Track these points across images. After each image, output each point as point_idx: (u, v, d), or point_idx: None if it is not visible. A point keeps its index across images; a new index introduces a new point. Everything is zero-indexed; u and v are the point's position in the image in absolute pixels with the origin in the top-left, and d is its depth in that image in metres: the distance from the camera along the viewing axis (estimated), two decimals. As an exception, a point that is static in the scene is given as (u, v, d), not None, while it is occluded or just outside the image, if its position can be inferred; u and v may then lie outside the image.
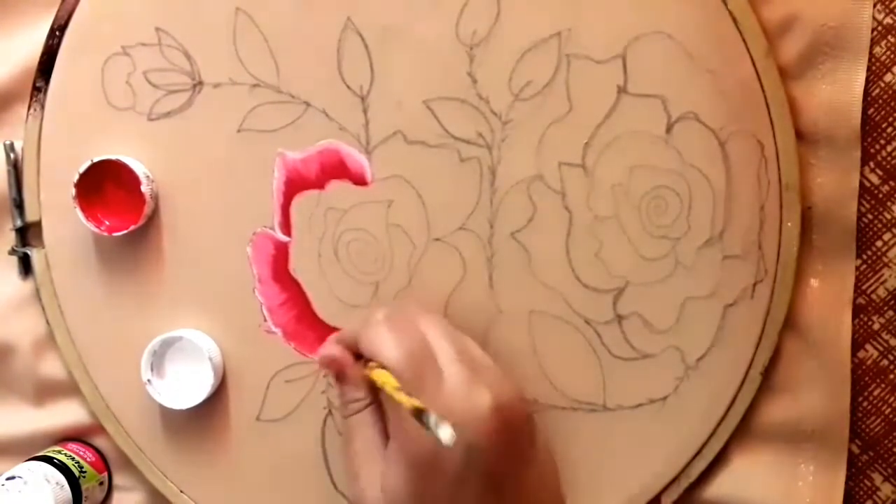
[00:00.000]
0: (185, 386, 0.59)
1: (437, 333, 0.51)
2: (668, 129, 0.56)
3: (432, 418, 0.43)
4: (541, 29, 0.56)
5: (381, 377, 0.48)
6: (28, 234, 0.61)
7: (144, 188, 0.57)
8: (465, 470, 0.46)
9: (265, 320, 0.59)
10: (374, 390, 0.52)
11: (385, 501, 0.48)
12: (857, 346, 0.58)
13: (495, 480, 0.48)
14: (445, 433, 0.42)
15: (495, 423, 0.47)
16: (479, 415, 0.47)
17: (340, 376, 0.53)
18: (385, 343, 0.50)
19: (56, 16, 0.59)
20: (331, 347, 0.53)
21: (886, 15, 0.56)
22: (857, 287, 0.58)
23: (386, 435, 0.51)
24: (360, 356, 0.52)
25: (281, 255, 0.58)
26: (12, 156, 0.61)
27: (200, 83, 0.58)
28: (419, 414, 0.43)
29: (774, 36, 0.56)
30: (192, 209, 0.59)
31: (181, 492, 0.61)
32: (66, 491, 0.59)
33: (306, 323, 0.59)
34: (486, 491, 0.47)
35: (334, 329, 0.59)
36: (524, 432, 0.50)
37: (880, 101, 0.56)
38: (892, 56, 0.56)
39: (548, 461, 0.52)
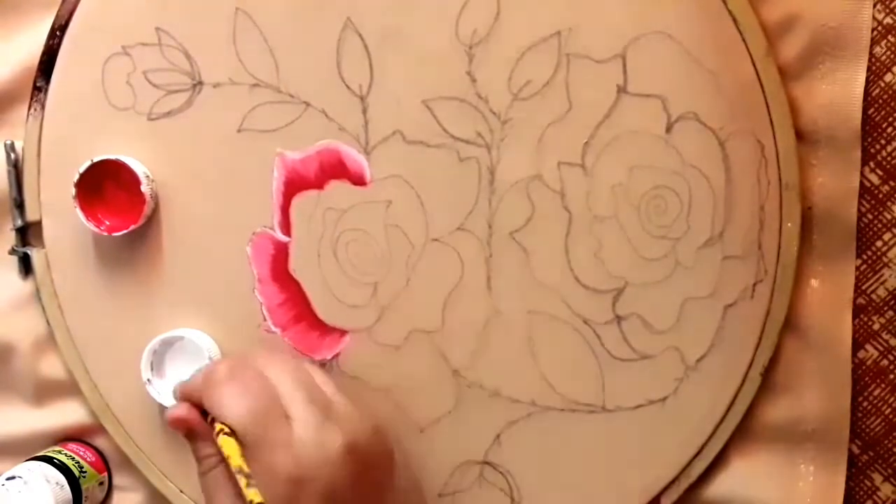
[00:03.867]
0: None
1: (286, 380, 0.51)
2: (668, 129, 0.56)
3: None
4: (540, 28, 0.56)
5: (227, 448, 0.47)
6: (28, 233, 0.62)
7: (144, 188, 0.57)
8: None
9: (265, 320, 0.59)
10: None
11: None
12: (857, 346, 0.58)
13: None
14: None
15: (349, 464, 0.48)
16: (332, 458, 0.47)
17: (191, 435, 0.51)
18: (228, 403, 0.49)
19: (57, 16, 0.59)
20: (178, 408, 0.52)
21: (886, 15, 0.55)
22: (857, 287, 0.58)
23: None
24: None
25: (280, 255, 0.58)
26: (13, 156, 0.61)
27: (200, 83, 0.58)
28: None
29: (774, 36, 0.56)
30: (191, 209, 0.59)
31: (181, 492, 0.61)
32: (66, 491, 0.59)
33: (306, 323, 0.59)
34: None
35: (333, 329, 0.59)
36: (381, 466, 0.51)
37: (880, 101, 0.56)
38: (892, 56, 0.56)
39: (410, 489, 0.54)
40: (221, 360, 0.55)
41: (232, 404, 0.48)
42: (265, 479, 0.46)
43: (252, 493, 0.45)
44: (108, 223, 0.58)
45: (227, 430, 0.48)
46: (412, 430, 0.59)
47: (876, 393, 0.59)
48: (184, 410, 0.51)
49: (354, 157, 0.57)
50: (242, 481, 0.46)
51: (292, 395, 0.50)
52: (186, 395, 0.52)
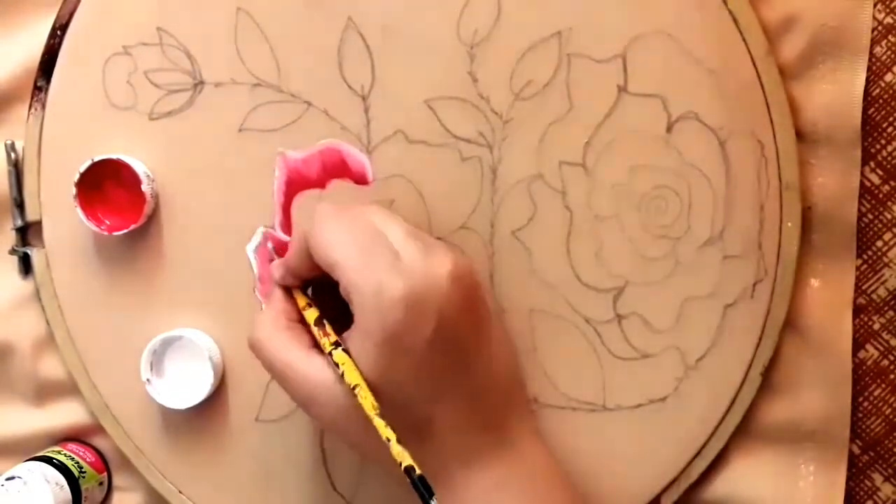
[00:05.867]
0: (184, 385, 0.58)
1: (384, 218, 0.52)
2: (669, 129, 0.56)
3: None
4: (541, 28, 0.56)
5: (348, 369, 0.48)
6: (28, 233, 0.61)
7: (145, 187, 0.57)
8: (434, 336, 0.48)
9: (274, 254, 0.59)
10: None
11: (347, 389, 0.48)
12: (857, 346, 0.58)
13: (461, 345, 0.50)
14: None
15: (457, 290, 0.49)
16: (441, 282, 0.48)
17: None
18: (335, 238, 0.50)
19: (57, 15, 0.59)
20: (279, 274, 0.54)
21: (887, 15, 0.56)
22: (857, 287, 0.58)
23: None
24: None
25: (281, 254, 0.58)
26: (13, 155, 0.61)
27: (201, 83, 0.58)
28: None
29: (774, 35, 0.56)
30: (192, 208, 0.59)
31: (180, 492, 0.61)
32: (66, 491, 0.59)
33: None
34: (453, 354, 0.49)
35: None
36: (482, 300, 0.52)
37: (880, 101, 0.56)
38: (892, 56, 0.56)
39: (502, 332, 0.55)
40: (324, 201, 0.56)
41: (342, 240, 0.50)
42: (382, 306, 0.47)
43: (387, 431, 0.45)
44: (108, 223, 0.58)
45: (333, 338, 0.49)
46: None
47: (876, 393, 0.59)
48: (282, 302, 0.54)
49: (357, 156, 0.57)
50: (368, 403, 0.46)
51: (396, 230, 0.50)
52: (286, 275, 0.54)
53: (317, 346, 0.51)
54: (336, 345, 0.49)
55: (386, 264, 0.48)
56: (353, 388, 0.47)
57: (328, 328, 0.50)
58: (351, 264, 0.49)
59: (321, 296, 0.54)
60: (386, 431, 0.45)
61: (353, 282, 0.48)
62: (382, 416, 0.46)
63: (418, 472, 0.44)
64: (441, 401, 0.50)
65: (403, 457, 0.45)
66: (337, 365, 0.48)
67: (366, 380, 0.47)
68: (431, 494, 0.44)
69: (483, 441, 0.51)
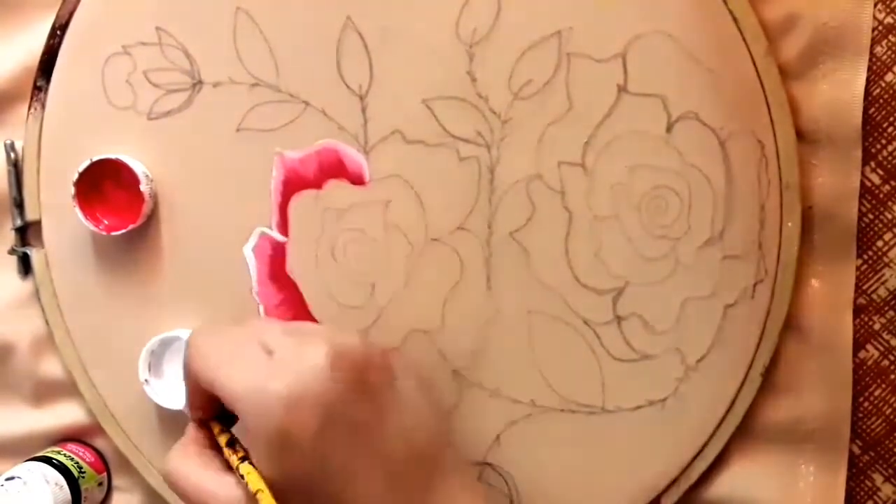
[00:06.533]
0: (182, 386, 0.58)
1: (259, 323, 0.52)
2: (669, 129, 0.56)
3: None
4: (541, 27, 0.56)
5: (251, 479, 0.47)
6: (28, 233, 0.62)
7: (143, 187, 0.57)
8: (323, 426, 0.46)
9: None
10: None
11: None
12: (857, 346, 0.58)
13: (358, 428, 0.47)
14: None
15: (337, 371, 0.47)
16: (318, 371, 0.46)
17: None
18: (207, 358, 0.49)
19: (57, 15, 0.59)
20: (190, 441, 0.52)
21: (887, 14, 0.55)
22: (857, 287, 0.58)
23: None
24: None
25: (278, 255, 0.58)
26: (13, 155, 0.61)
27: (200, 82, 0.58)
28: None
29: (775, 35, 0.56)
30: (190, 208, 0.59)
31: (180, 492, 0.61)
32: (66, 491, 0.59)
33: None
34: (351, 439, 0.47)
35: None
36: (371, 370, 0.49)
37: (881, 101, 0.56)
38: (892, 56, 0.56)
39: (411, 393, 0.51)
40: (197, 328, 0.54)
41: (212, 358, 0.49)
42: (261, 409, 0.46)
43: None
44: (107, 222, 0.58)
45: (241, 454, 0.48)
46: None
47: (877, 393, 0.58)
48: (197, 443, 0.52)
49: (353, 156, 0.57)
50: None
51: (270, 332, 0.50)
52: (193, 411, 0.52)
53: (230, 468, 0.49)
54: (243, 459, 0.48)
55: (258, 367, 0.47)
56: (255, 493, 0.45)
57: (238, 447, 0.49)
58: (225, 377, 0.47)
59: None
60: None
61: (231, 392, 0.47)
62: None
63: None
64: (354, 487, 0.47)
65: None
66: (242, 477, 0.47)
67: (268, 483, 0.46)
68: None
69: None
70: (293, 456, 0.46)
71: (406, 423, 0.50)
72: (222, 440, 0.50)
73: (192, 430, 0.52)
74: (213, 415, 0.52)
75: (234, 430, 0.50)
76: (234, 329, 0.51)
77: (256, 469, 0.47)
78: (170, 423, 0.60)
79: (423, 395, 0.52)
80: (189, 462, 0.50)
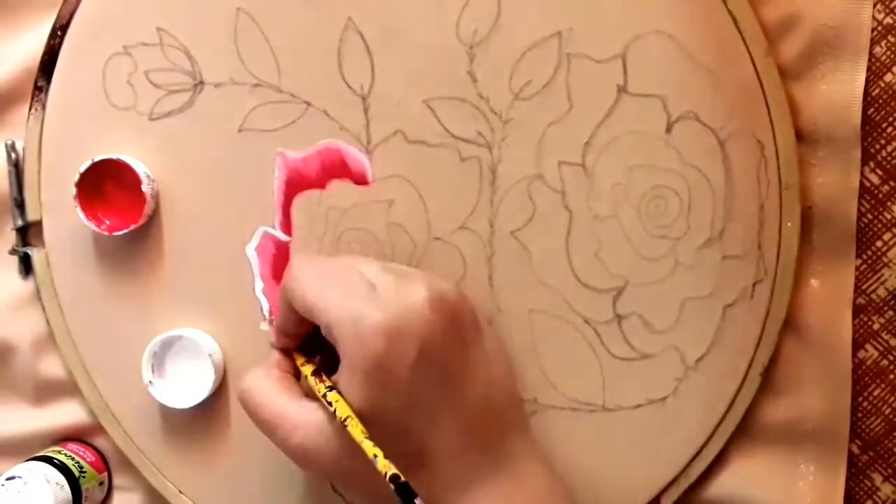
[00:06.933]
0: (186, 385, 0.58)
1: (357, 258, 0.53)
2: (668, 129, 0.56)
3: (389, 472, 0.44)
4: (541, 28, 0.56)
5: (340, 407, 0.47)
6: (29, 233, 0.61)
7: (145, 187, 0.57)
8: (419, 363, 0.48)
9: (266, 320, 0.59)
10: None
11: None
12: (857, 346, 0.58)
13: (449, 369, 0.49)
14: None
15: (437, 314, 0.49)
16: (419, 308, 0.48)
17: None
18: (309, 283, 0.50)
19: (58, 15, 0.59)
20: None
21: (886, 15, 0.56)
22: (857, 287, 0.58)
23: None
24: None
25: (281, 254, 0.58)
26: (13, 155, 0.61)
27: (201, 83, 0.58)
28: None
29: (774, 36, 0.56)
30: (192, 209, 0.59)
31: (180, 492, 0.61)
32: (66, 491, 0.59)
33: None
34: (441, 379, 0.49)
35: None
36: (465, 319, 0.51)
37: (880, 101, 0.56)
38: (892, 56, 0.56)
39: (496, 350, 0.54)
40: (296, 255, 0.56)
41: (313, 283, 0.50)
42: (362, 337, 0.47)
43: (374, 449, 0.45)
44: (108, 223, 0.58)
45: (328, 383, 0.49)
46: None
47: (876, 393, 0.59)
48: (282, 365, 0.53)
49: (356, 156, 0.57)
50: (357, 431, 0.46)
51: (369, 266, 0.51)
52: (279, 336, 0.54)
53: (309, 396, 0.50)
54: (330, 388, 0.48)
55: (361, 297, 0.48)
56: (344, 420, 0.46)
57: (324, 377, 0.50)
58: (326, 303, 0.49)
59: (323, 356, 0.53)
60: (373, 450, 0.45)
61: (331, 318, 0.48)
62: (372, 440, 0.45)
63: (402, 479, 0.44)
64: (434, 427, 0.49)
65: (388, 467, 0.44)
66: (330, 404, 0.47)
67: (356, 412, 0.47)
68: (414, 495, 0.43)
69: (481, 465, 0.51)
70: (385, 386, 0.47)
71: (490, 376, 0.52)
72: (307, 370, 0.51)
73: (275, 356, 0.53)
74: (299, 343, 0.53)
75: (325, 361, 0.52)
76: (336, 259, 0.53)
77: (343, 397, 0.48)
78: (171, 422, 0.60)
79: (502, 353, 0.55)
80: (269, 384, 0.51)
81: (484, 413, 0.51)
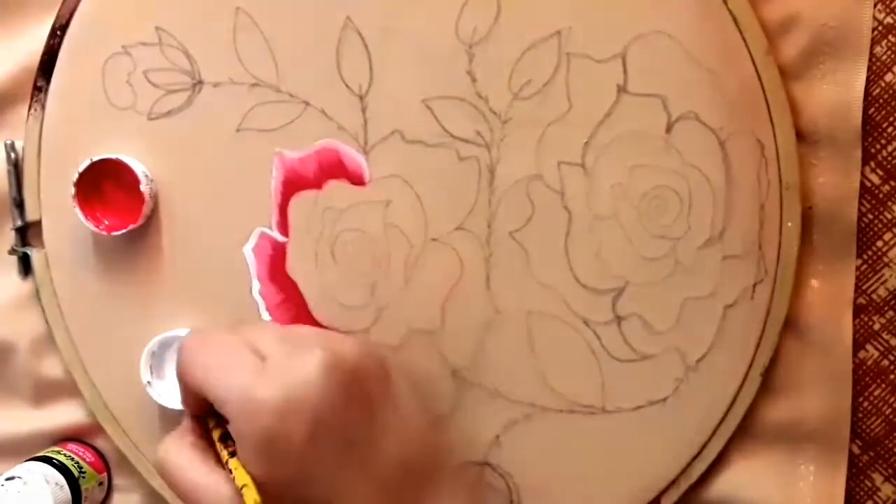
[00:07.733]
0: (181, 385, 0.58)
1: (253, 328, 0.51)
2: (668, 129, 0.56)
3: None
4: (541, 27, 0.56)
5: (239, 476, 0.47)
6: (28, 233, 0.61)
7: (143, 187, 0.57)
8: (314, 435, 0.46)
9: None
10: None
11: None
12: (857, 346, 0.58)
13: (350, 437, 0.47)
14: None
15: (332, 381, 0.47)
16: (311, 380, 0.46)
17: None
18: (198, 363, 0.49)
19: (57, 15, 0.59)
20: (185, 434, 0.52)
21: (887, 15, 0.55)
22: (857, 287, 0.58)
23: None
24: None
25: (278, 255, 0.58)
26: (13, 155, 0.61)
27: (200, 82, 0.58)
28: None
29: (775, 35, 0.56)
30: (190, 208, 0.59)
31: (180, 492, 0.61)
32: (66, 491, 0.59)
33: (304, 323, 0.59)
34: (343, 448, 0.47)
35: (331, 330, 0.59)
36: (370, 379, 0.49)
37: (881, 101, 0.56)
38: (892, 56, 0.56)
39: (410, 406, 0.51)
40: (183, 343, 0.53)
41: (202, 363, 0.49)
42: (250, 414, 0.46)
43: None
44: (107, 223, 0.58)
45: (231, 448, 0.48)
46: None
47: (876, 393, 0.58)
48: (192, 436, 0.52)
49: (353, 156, 0.57)
50: (250, 500, 0.45)
51: (264, 338, 0.50)
52: (187, 409, 0.53)
53: (222, 464, 0.49)
54: (233, 454, 0.48)
55: (249, 373, 0.47)
56: (241, 488, 0.46)
57: (231, 441, 0.49)
58: (214, 382, 0.48)
59: None
60: None
61: (220, 397, 0.47)
62: None
63: None
64: (340, 495, 0.47)
65: None
66: (231, 472, 0.47)
67: (256, 483, 0.46)
68: None
69: None
70: (279, 462, 0.46)
71: (404, 435, 0.50)
72: (216, 434, 0.50)
73: (188, 422, 0.52)
74: (206, 412, 0.52)
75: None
76: (226, 334, 0.51)
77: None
78: (170, 422, 0.60)
79: (418, 407, 0.52)
80: (182, 454, 0.50)
81: (395, 475, 0.49)
